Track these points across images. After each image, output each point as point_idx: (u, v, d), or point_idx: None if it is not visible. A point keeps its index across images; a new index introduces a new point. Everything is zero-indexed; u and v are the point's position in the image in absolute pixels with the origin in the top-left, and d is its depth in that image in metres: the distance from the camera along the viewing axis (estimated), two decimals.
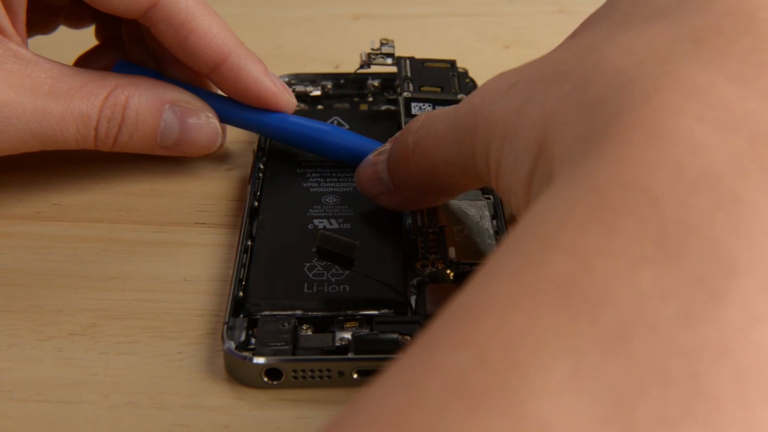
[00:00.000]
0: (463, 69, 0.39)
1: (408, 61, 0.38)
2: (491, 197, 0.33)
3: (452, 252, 0.30)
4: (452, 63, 0.38)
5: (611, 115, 0.19)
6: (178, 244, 0.34)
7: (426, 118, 0.29)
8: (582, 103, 0.20)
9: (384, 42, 0.39)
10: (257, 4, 0.52)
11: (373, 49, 0.39)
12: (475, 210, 0.32)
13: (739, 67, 0.19)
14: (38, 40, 0.38)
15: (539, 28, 0.49)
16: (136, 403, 0.28)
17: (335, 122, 0.39)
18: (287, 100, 0.36)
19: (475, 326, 0.16)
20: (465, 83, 0.39)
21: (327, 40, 0.49)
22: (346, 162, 0.36)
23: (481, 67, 0.37)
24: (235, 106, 0.36)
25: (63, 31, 0.39)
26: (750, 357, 0.15)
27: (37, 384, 0.28)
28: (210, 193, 0.37)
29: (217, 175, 0.38)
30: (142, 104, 0.34)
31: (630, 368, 0.15)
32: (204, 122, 0.35)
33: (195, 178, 0.38)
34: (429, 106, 0.35)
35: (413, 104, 0.36)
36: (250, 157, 0.38)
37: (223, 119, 0.37)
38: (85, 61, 0.39)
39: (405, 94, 0.36)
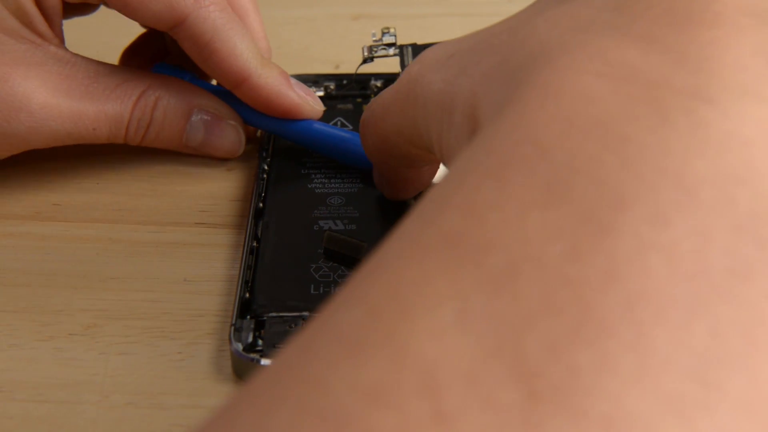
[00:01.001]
0: None
1: (410, 48, 0.38)
2: None
3: None
4: None
5: (520, 81, 0.20)
6: (178, 244, 0.34)
7: (381, 91, 0.30)
8: (504, 73, 0.21)
9: (385, 31, 0.39)
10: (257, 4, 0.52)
11: (374, 41, 0.39)
12: None
13: (650, 27, 0.19)
14: (84, 23, 0.38)
15: None
16: (136, 403, 0.28)
17: (338, 123, 0.39)
18: (311, 108, 0.36)
19: (369, 284, 0.16)
20: None
21: (327, 40, 0.49)
22: (368, 169, 0.36)
23: None
24: (261, 114, 0.37)
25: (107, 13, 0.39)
26: (640, 282, 0.15)
27: (37, 384, 0.28)
28: (210, 193, 0.37)
29: (217, 175, 0.38)
30: (171, 107, 0.36)
31: (516, 304, 0.15)
32: (228, 129, 0.37)
33: (195, 178, 0.38)
34: None
35: None
36: (249, 157, 0.38)
37: (251, 123, 0.38)
38: (132, 52, 0.41)
39: None
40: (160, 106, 0.36)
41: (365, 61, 0.39)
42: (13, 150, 0.35)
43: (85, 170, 0.38)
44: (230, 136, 0.37)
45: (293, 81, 0.36)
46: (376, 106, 0.29)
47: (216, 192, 0.37)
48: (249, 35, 0.36)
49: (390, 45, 0.38)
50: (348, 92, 0.41)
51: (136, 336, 0.30)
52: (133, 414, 0.27)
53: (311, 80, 0.42)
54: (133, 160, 0.38)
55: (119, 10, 0.34)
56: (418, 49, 0.38)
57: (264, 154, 0.37)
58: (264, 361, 0.27)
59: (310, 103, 0.36)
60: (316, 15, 0.51)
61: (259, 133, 0.39)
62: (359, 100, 0.41)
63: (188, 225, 0.35)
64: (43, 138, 0.34)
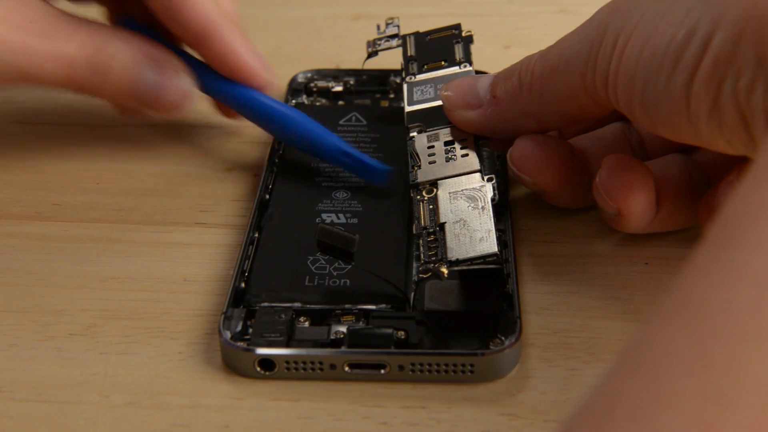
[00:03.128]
0: (468, 32, 0.38)
1: (412, 38, 0.38)
2: (493, 177, 0.32)
3: (450, 252, 0.30)
4: (457, 27, 0.37)
5: None
6: (178, 244, 0.34)
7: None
8: None
9: (389, 21, 0.39)
10: (257, 4, 0.52)
11: (379, 34, 0.39)
12: (476, 200, 0.31)
13: None
14: None
15: (539, 28, 0.49)
16: (136, 403, 0.28)
17: (353, 118, 0.39)
18: (264, 77, 0.36)
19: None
20: (469, 50, 0.38)
21: (327, 40, 0.49)
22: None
23: (481, 67, 0.37)
24: (213, 76, 0.37)
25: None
26: None
27: (37, 384, 0.28)
28: (210, 193, 0.37)
29: (217, 175, 0.38)
30: (125, 55, 0.35)
31: None
32: (180, 81, 0.36)
33: (195, 178, 0.38)
34: (432, 87, 0.35)
35: (415, 89, 0.35)
36: (249, 158, 0.38)
37: (201, 87, 0.37)
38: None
39: (408, 78, 0.36)
40: (118, 57, 0.35)
41: (370, 55, 0.39)
42: None
43: (85, 170, 0.38)
44: (181, 87, 0.36)
45: (251, 47, 0.36)
46: (552, 48, 0.29)
47: (216, 192, 0.37)
48: None
49: (393, 36, 0.38)
50: (367, 88, 0.41)
51: (136, 336, 0.30)
52: (133, 414, 0.27)
53: (331, 75, 0.42)
54: (133, 160, 0.39)
55: None
56: (420, 36, 0.38)
57: (276, 146, 0.37)
58: (250, 350, 0.27)
59: (263, 72, 0.36)
60: (316, 15, 0.51)
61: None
62: (378, 95, 0.41)
63: (188, 225, 0.35)
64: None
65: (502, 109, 0.32)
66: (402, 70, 0.37)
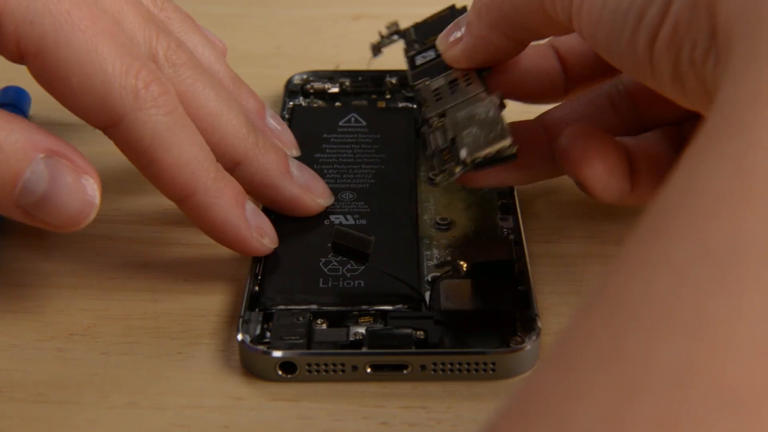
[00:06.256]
0: (464, 7, 0.38)
1: (412, 30, 0.38)
2: (500, 93, 0.31)
3: (464, 152, 0.29)
4: (451, 8, 0.37)
5: None
6: (178, 244, 0.34)
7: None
8: None
9: (388, 27, 0.39)
10: (257, 4, 0.52)
11: (381, 36, 0.39)
12: (482, 108, 0.30)
13: None
14: None
15: None
16: (136, 403, 0.28)
17: (353, 119, 0.39)
18: (264, 247, 0.31)
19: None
20: None
21: (327, 40, 0.49)
22: None
23: None
24: None
25: None
26: None
27: (37, 384, 0.28)
28: None
29: None
30: (9, 144, 0.27)
31: None
32: (82, 187, 0.27)
33: None
34: (433, 51, 0.35)
35: (417, 57, 0.35)
36: None
37: None
38: None
39: (410, 53, 0.36)
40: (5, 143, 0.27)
41: (375, 54, 0.39)
42: None
43: None
44: (81, 196, 0.27)
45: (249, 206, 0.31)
46: None
47: None
48: (202, 141, 0.30)
49: (394, 33, 0.38)
50: (363, 89, 0.41)
51: (136, 336, 0.30)
52: (133, 414, 0.27)
53: (327, 76, 0.42)
54: None
55: (49, 92, 0.28)
56: (419, 27, 0.38)
57: None
58: (271, 353, 0.27)
59: (266, 242, 0.31)
60: (316, 15, 0.51)
61: None
62: (374, 96, 0.41)
63: (188, 225, 0.35)
64: None
65: (473, 32, 0.31)
66: (405, 51, 0.37)
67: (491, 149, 0.28)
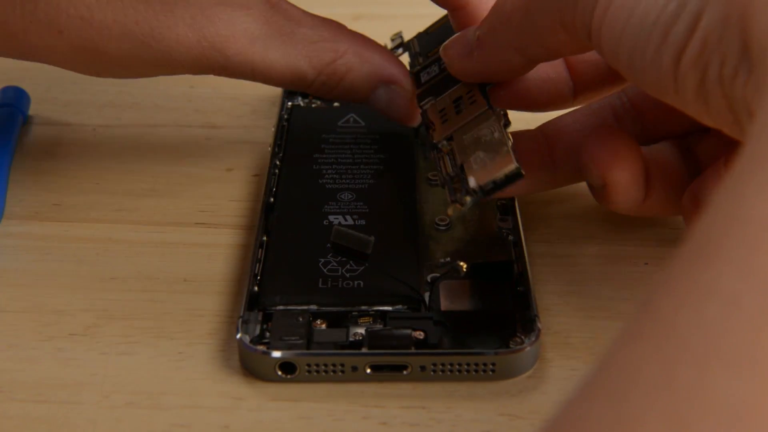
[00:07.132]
0: None
1: (415, 40, 0.38)
2: (503, 111, 0.31)
3: (472, 181, 0.29)
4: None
5: None
6: (178, 244, 0.34)
7: None
8: None
9: (393, 38, 0.39)
10: None
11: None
12: (486, 129, 0.30)
13: None
14: None
15: None
16: (136, 403, 0.28)
17: (351, 119, 0.39)
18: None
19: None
20: None
21: None
22: None
23: None
24: None
25: None
26: None
27: (37, 384, 0.28)
28: (210, 193, 0.37)
29: (217, 175, 0.38)
30: (359, 78, 0.35)
31: None
32: (409, 109, 0.36)
33: (195, 178, 0.38)
34: (437, 65, 0.35)
35: (422, 74, 0.35)
36: (249, 158, 0.38)
37: None
38: None
39: (415, 69, 0.36)
40: (348, 78, 0.35)
41: None
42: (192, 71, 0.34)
43: (85, 170, 0.38)
44: (407, 113, 0.36)
45: None
46: None
47: (216, 192, 0.37)
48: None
49: (398, 46, 0.38)
50: None
51: (136, 336, 0.30)
52: (133, 414, 0.27)
53: None
54: (133, 160, 0.39)
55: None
56: (422, 37, 0.38)
57: (276, 150, 0.37)
58: (271, 353, 0.28)
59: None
60: None
61: (273, 129, 0.38)
62: None
63: (188, 225, 0.35)
64: (231, 77, 0.34)
65: (487, 49, 0.31)
66: (410, 66, 0.37)
67: (498, 175, 0.28)
